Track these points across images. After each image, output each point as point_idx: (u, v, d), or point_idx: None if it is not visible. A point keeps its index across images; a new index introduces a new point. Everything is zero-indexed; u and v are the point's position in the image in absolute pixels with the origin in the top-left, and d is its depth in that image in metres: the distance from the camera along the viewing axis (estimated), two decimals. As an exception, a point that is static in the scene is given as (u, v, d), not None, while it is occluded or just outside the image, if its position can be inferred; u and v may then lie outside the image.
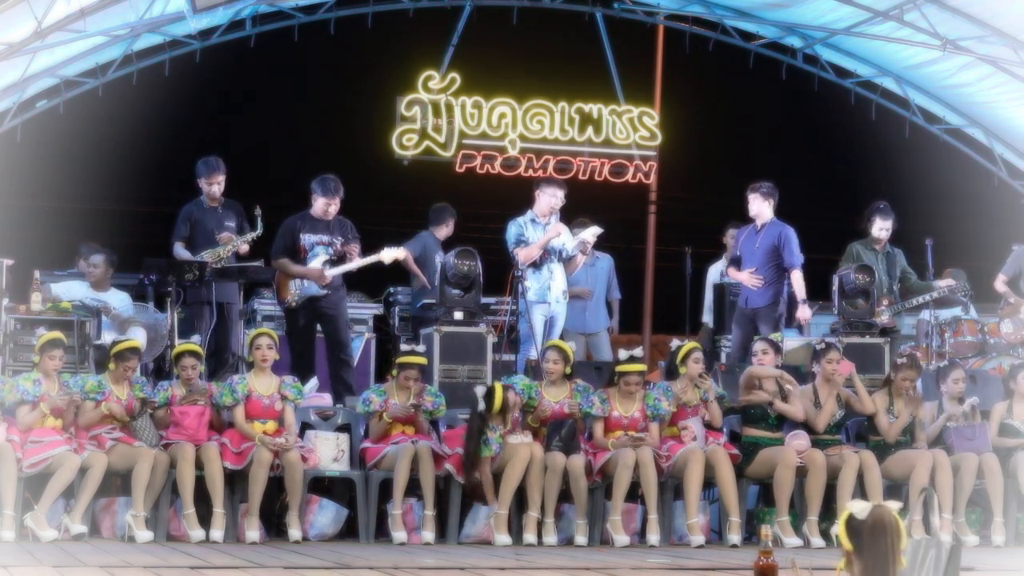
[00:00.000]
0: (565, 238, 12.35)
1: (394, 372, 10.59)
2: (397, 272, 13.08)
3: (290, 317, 11.86)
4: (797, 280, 12.40)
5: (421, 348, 10.77)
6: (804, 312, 12.45)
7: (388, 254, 12.06)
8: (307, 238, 11.78)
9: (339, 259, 11.74)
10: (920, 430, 10.95)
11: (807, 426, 10.85)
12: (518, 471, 10.09)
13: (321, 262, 11.68)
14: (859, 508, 4.69)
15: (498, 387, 10.29)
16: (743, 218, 12.73)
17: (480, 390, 10.23)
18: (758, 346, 11.02)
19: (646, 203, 19.18)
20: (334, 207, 11.81)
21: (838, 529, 4.73)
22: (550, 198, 12.23)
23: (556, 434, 10.50)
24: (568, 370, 10.61)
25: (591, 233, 12.34)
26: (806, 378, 11.24)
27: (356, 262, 11.79)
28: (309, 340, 11.82)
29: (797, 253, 12.50)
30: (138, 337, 10.85)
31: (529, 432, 10.41)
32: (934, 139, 15.04)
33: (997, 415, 11.22)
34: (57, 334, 10.08)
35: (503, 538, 10.00)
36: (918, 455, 10.67)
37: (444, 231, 13.13)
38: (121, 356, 10.09)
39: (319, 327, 11.87)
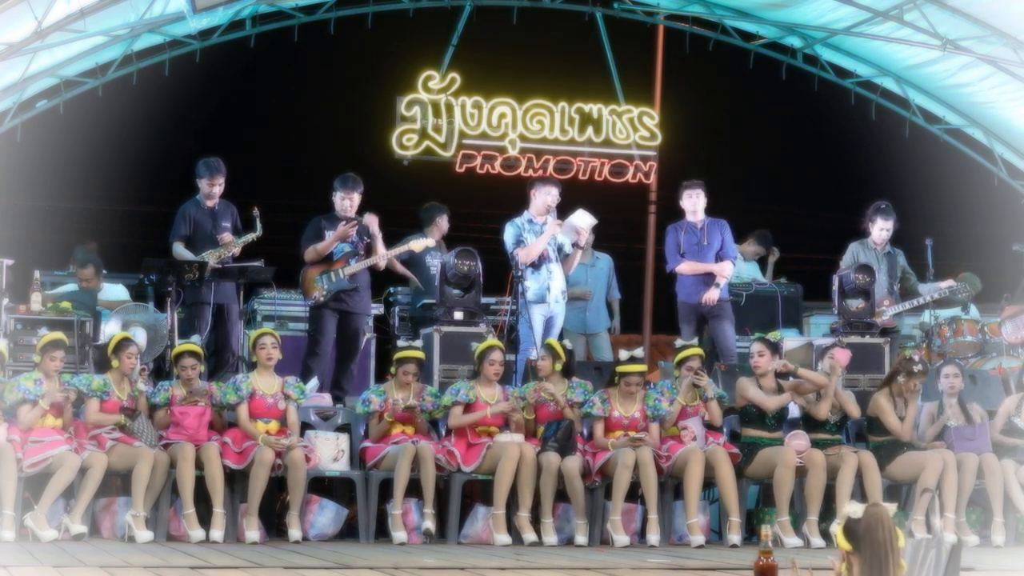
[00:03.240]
0: (562, 237, 12.32)
1: (393, 369, 10.61)
2: (398, 274, 13.11)
3: (315, 315, 11.85)
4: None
5: (419, 343, 10.80)
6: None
7: (417, 243, 12.15)
8: (330, 234, 11.81)
9: (367, 253, 11.79)
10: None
11: (806, 426, 10.86)
12: (508, 470, 10.10)
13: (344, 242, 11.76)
14: (854, 509, 4.71)
15: (489, 340, 10.62)
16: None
17: (475, 345, 10.67)
18: (755, 347, 10.96)
19: (646, 203, 19.13)
20: (349, 202, 11.85)
21: (836, 534, 4.72)
22: (545, 196, 12.21)
23: (551, 435, 10.51)
24: (558, 366, 10.62)
25: (579, 218, 12.27)
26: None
27: (385, 253, 11.84)
28: (332, 340, 11.83)
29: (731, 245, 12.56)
30: (138, 337, 10.84)
31: (520, 432, 10.43)
32: (934, 139, 15.04)
33: (1005, 411, 11.22)
34: (58, 335, 10.09)
35: (502, 538, 10.02)
36: (928, 457, 10.66)
37: (437, 231, 13.13)
38: (120, 347, 10.09)
39: (336, 329, 11.86)
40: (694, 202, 12.47)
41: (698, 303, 12.27)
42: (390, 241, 12.25)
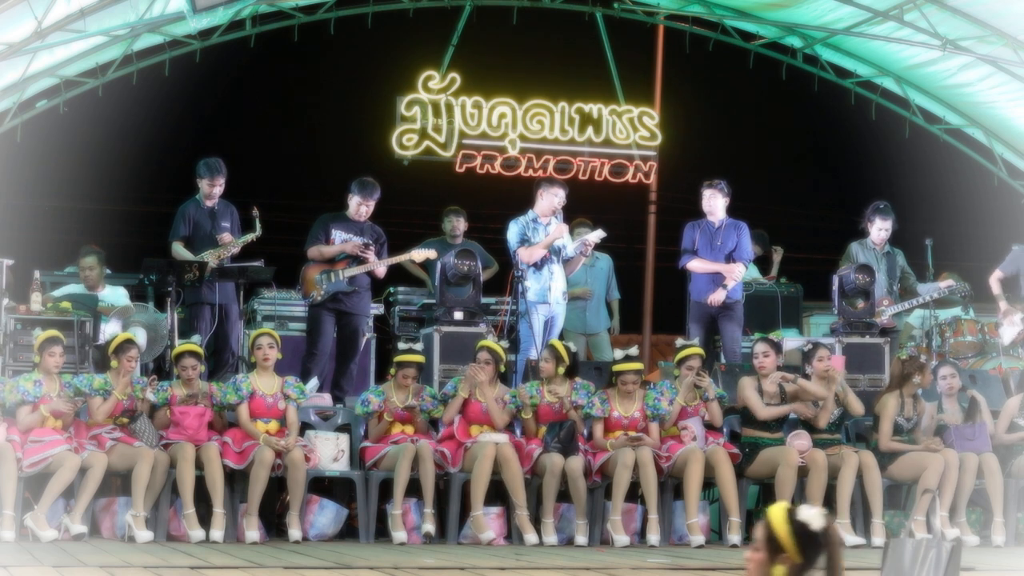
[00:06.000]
0: (566, 239, 12.33)
1: (392, 371, 10.61)
2: (408, 273, 13.15)
3: (313, 315, 11.85)
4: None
5: (419, 347, 10.80)
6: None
7: (419, 254, 12.14)
8: (338, 235, 11.81)
9: (363, 260, 11.79)
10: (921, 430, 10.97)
11: (808, 426, 10.85)
12: (483, 469, 10.09)
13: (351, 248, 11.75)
14: (809, 515, 4.35)
15: (487, 341, 10.65)
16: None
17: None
18: (759, 347, 10.95)
19: (646, 203, 19.16)
20: (366, 208, 11.82)
21: (779, 532, 4.35)
22: (552, 198, 12.18)
23: (554, 435, 10.52)
24: (561, 370, 10.62)
25: (595, 236, 12.30)
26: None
27: (384, 260, 11.82)
28: (330, 341, 11.82)
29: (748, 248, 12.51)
30: (138, 337, 10.84)
31: (506, 432, 10.43)
32: (934, 139, 15.03)
33: (1009, 411, 11.21)
34: (54, 332, 10.09)
35: (486, 535, 10.03)
36: (930, 457, 10.65)
37: (458, 233, 13.18)
38: (121, 349, 10.09)
39: (335, 328, 11.86)
40: (710, 202, 12.39)
41: (706, 302, 12.22)
42: (391, 241, 12.24)
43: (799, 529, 4.30)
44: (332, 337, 11.86)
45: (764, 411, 10.69)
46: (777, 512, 4.33)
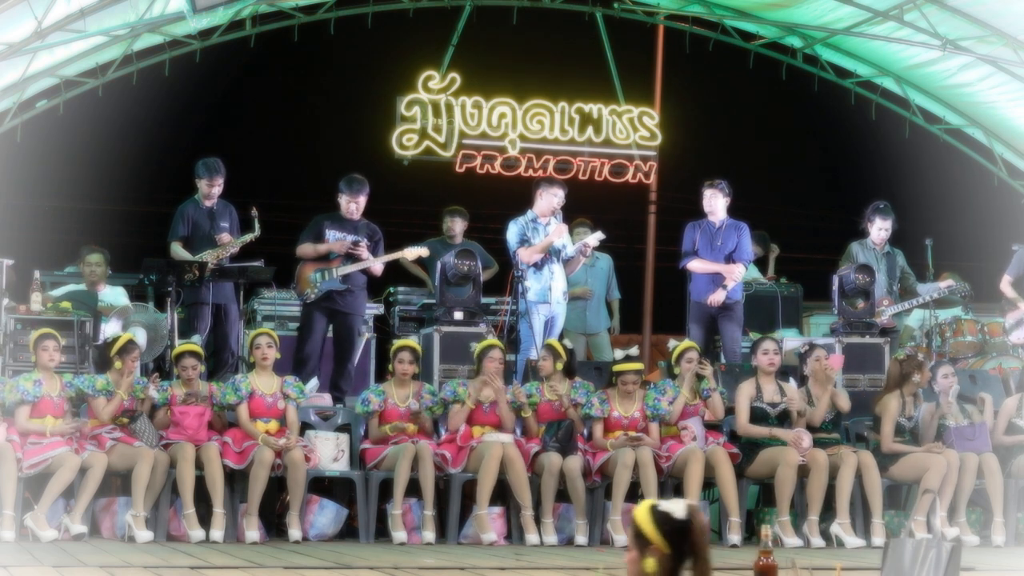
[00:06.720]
0: (565, 239, 12.34)
1: (391, 367, 10.60)
2: (408, 273, 13.14)
3: (305, 313, 11.84)
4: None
5: (414, 338, 10.82)
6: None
7: (411, 252, 12.14)
8: (332, 235, 11.79)
9: (357, 258, 11.78)
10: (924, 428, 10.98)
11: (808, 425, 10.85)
12: (489, 469, 10.08)
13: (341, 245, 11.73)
14: (675, 507, 4.39)
15: (487, 340, 10.65)
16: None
17: (474, 345, 10.69)
18: (770, 345, 10.94)
19: (646, 203, 19.16)
20: (355, 205, 11.80)
21: (644, 525, 4.36)
22: (552, 198, 12.18)
23: (552, 434, 10.50)
24: (559, 366, 10.63)
25: (595, 239, 12.30)
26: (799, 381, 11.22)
27: (380, 258, 11.80)
28: (320, 339, 11.80)
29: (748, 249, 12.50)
30: (138, 337, 10.84)
31: (509, 431, 10.43)
32: (934, 139, 15.03)
33: (1007, 412, 11.22)
34: (46, 329, 10.11)
35: (488, 536, 10.02)
36: (933, 459, 10.63)
37: (454, 233, 13.15)
38: (124, 350, 10.10)
39: (331, 328, 11.85)
40: (711, 202, 12.39)
41: (706, 303, 12.21)
42: (390, 241, 12.24)
43: (661, 519, 4.37)
44: (322, 336, 11.83)
45: (744, 428, 10.72)
46: (641, 508, 4.42)
